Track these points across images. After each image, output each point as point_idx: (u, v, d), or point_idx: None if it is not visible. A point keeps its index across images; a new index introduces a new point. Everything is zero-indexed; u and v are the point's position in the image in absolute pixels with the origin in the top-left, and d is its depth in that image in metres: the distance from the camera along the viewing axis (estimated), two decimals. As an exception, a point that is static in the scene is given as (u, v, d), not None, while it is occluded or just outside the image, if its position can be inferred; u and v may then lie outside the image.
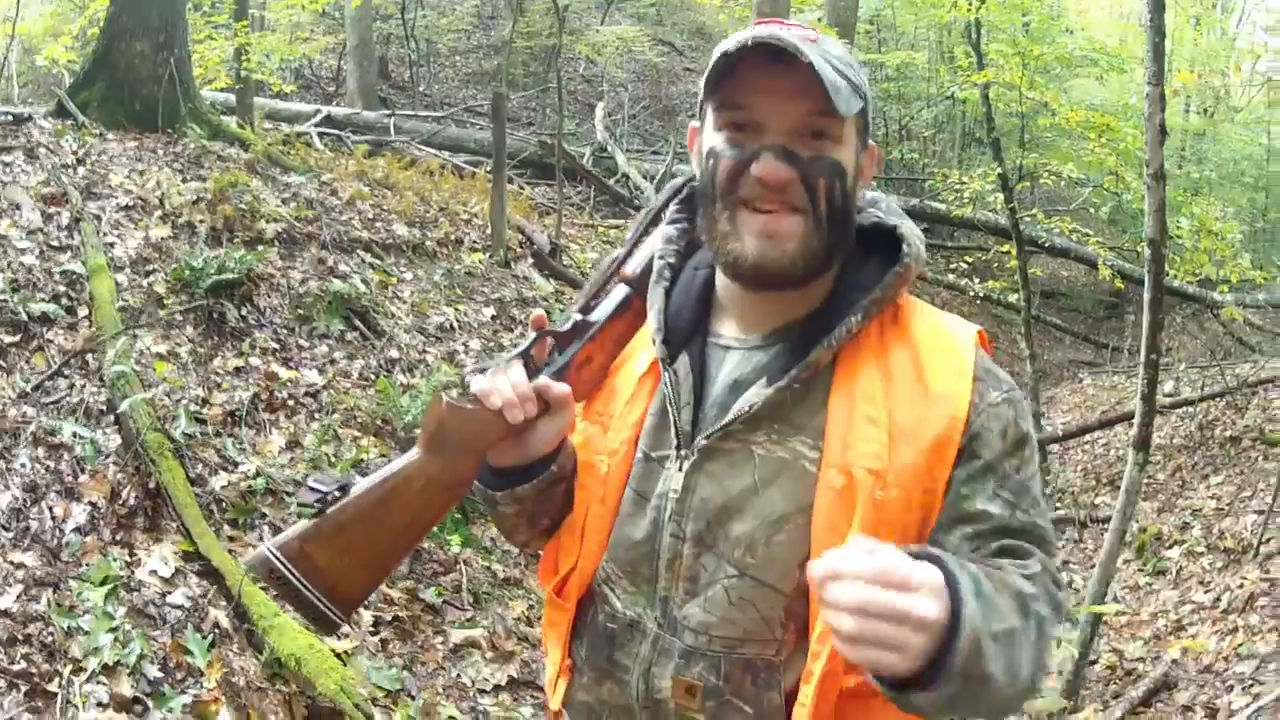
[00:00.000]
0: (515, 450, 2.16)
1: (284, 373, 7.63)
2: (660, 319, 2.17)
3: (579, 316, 2.26)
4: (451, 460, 2.11)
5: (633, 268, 2.29)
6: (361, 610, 6.01)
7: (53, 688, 4.59)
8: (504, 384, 2.10)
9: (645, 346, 2.24)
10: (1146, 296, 6.08)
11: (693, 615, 2.09)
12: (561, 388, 2.13)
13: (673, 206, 2.33)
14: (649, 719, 2.17)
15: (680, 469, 2.11)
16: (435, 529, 6.88)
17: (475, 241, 11.89)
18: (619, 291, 2.27)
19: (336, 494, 2.08)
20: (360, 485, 2.10)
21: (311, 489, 2.08)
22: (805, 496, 2.00)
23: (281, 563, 2.04)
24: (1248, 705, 5.71)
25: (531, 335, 2.20)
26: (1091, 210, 19.52)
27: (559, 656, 2.32)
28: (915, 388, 2.01)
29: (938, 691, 1.67)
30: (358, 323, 8.72)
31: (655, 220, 2.36)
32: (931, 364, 2.03)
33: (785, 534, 2.02)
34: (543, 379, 2.13)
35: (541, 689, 5.73)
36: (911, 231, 2.12)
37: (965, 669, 1.66)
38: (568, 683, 2.32)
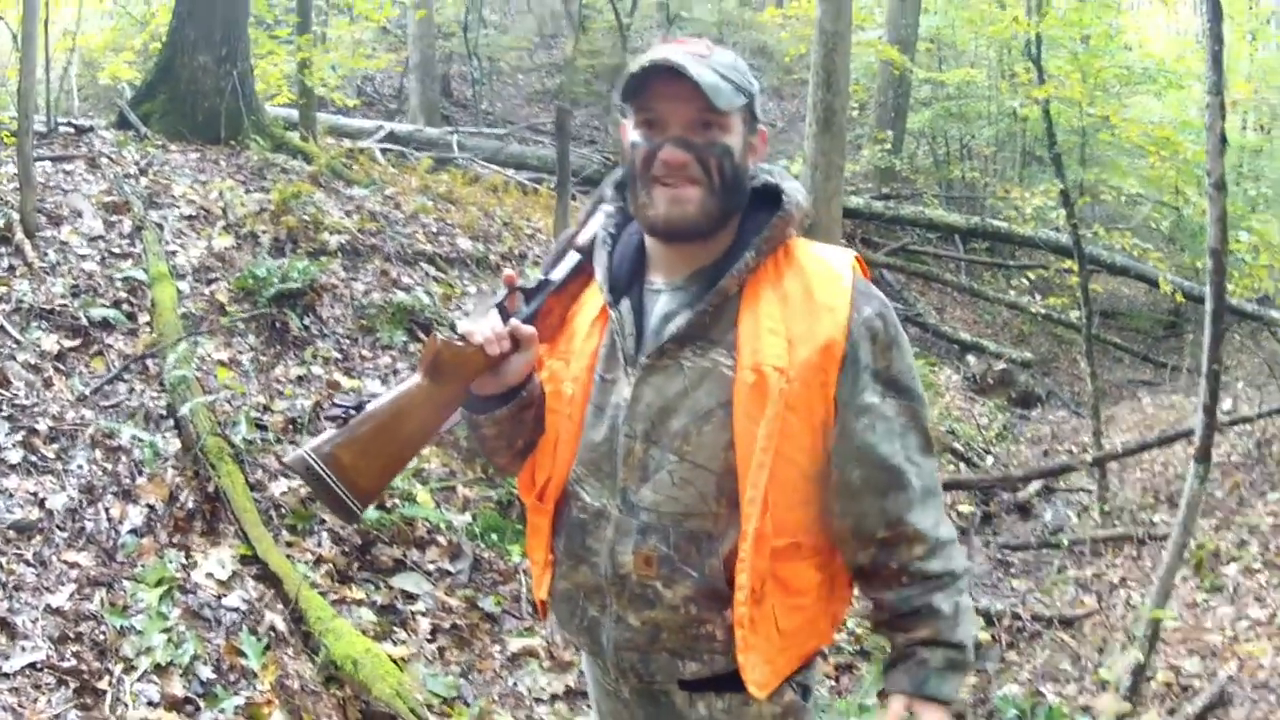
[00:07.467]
0: (494, 381, 2.73)
1: (346, 382, 7.66)
2: (605, 274, 2.81)
3: (542, 277, 2.89)
4: (445, 384, 2.71)
5: (584, 239, 2.91)
6: (419, 617, 6.05)
7: (103, 686, 4.61)
8: (484, 325, 2.68)
9: (595, 298, 2.86)
10: (1209, 307, 6.02)
11: (645, 497, 2.72)
12: (529, 329, 2.71)
13: (611, 190, 2.96)
14: (616, 594, 2.79)
15: (629, 383, 2.74)
16: (498, 538, 6.91)
17: (539, 256, 11.89)
18: (572, 258, 2.90)
19: (353, 411, 2.67)
20: (375, 403, 2.70)
21: (336, 405, 2.71)
22: (725, 394, 2.65)
23: (316, 462, 2.62)
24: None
25: (505, 290, 2.80)
26: (1151, 226, 19.36)
27: (543, 555, 2.97)
28: (806, 304, 2.65)
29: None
30: (420, 334, 8.73)
31: (599, 203, 2.97)
32: (817, 285, 2.67)
33: (712, 424, 2.66)
34: (514, 322, 2.71)
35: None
36: (793, 188, 2.78)
37: (961, 688, 2.78)
38: (551, 575, 2.96)
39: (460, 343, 2.68)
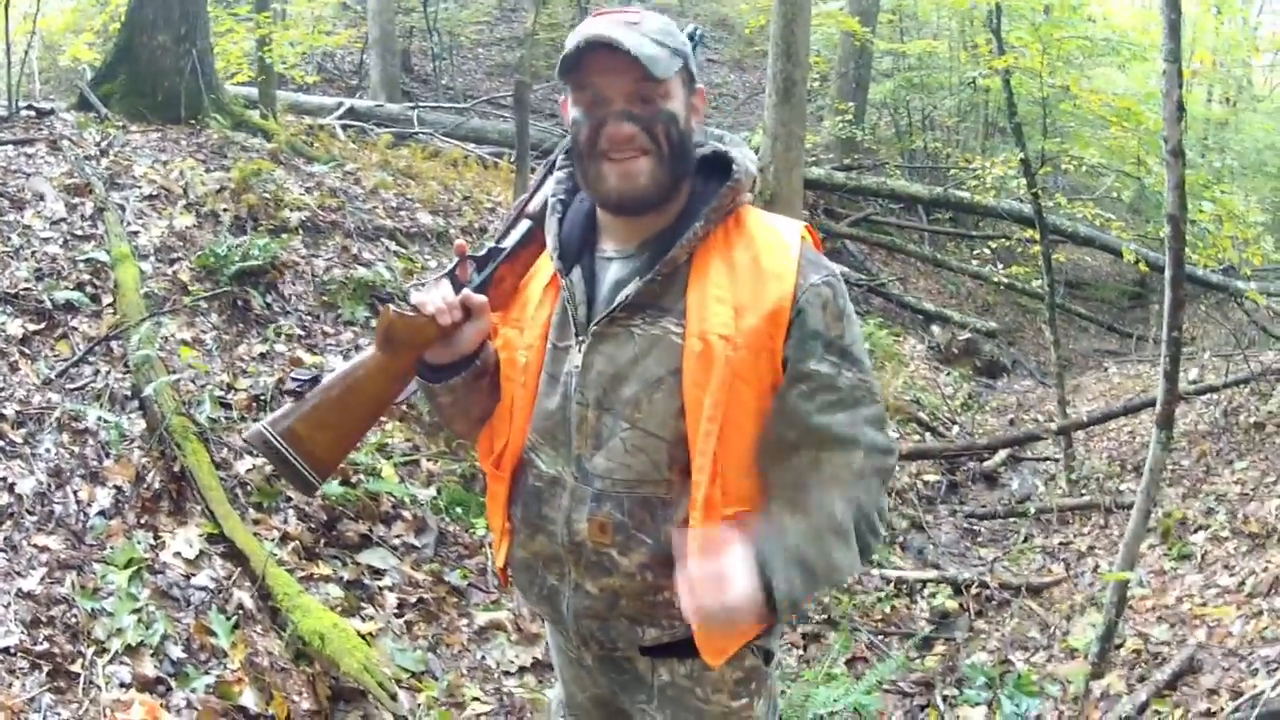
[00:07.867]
0: (447, 350, 2.80)
1: (309, 358, 7.64)
2: (556, 241, 2.84)
3: (494, 245, 2.94)
4: (398, 355, 2.78)
5: (534, 207, 2.96)
6: (386, 592, 6.06)
7: (75, 668, 4.59)
8: (436, 296, 2.76)
9: (547, 266, 2.90)
10: (1168, 274, 6.04)
11: (599, 465, 2.75)
12: (480, 298, 2.79)
13: (562, 157, 2.98)
14: (573, 562, 2.83)
15: (580, 351, 2.76)
16: (463, 512, 6.91)
17: (499, 230, 11.86)
18: (523, 225, 2.95)
19: (310, 385, 2.78)
20: (330, 376, 2.81)
21: (294, 379, 2.83)
22: (674, 362, 2.66)
23: (273, 436, 2.74)
24: (1273, 687, 5.69)
25: (455, 260, 2.87)
26: (1115, 196, 19.38)
27: (500, 522, 3.02)
28: (754, 272, 2.67)
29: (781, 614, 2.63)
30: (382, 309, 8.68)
31: (551, 170, 3.01)
32: (765, 253, 2.69)
33: (662, 392, 2.68)
34: (465, 292, 2.79)
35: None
36: (743, 156, 2.79)
37: (793, 602, 2.59)
38: (509, 543, 3.01)
39: (412, 314, 2.74)
